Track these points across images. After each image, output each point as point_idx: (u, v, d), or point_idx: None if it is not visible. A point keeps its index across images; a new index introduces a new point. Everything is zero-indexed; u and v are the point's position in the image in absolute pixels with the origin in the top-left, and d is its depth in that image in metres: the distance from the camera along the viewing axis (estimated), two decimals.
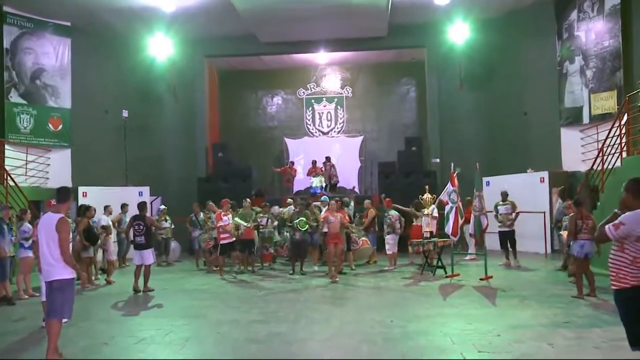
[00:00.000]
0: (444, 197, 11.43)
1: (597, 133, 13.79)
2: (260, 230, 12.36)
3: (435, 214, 11.77)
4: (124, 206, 13.14)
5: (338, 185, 18.28)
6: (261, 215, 12.54)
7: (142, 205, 10.19)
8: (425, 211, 11.62)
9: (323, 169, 17.91)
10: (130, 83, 17.66)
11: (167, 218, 14.26)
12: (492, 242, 14.06)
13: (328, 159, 18.07)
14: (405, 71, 20.39)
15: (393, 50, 19.09)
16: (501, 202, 12.06)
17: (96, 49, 16.93)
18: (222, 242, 11.30)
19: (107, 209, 12.60)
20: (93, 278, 11.04)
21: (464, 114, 17.87)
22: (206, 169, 18.47)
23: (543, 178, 14.42)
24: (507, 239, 11.97)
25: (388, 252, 12.14)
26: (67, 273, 5.57)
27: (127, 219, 12.39)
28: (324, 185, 17.43)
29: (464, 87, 17.73)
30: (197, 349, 6.08)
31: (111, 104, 17.24)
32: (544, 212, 13.77)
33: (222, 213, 11.37)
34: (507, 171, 15.29)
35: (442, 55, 17.58)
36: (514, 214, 12.00)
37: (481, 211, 10.75)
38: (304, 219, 11.57)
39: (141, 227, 9.83)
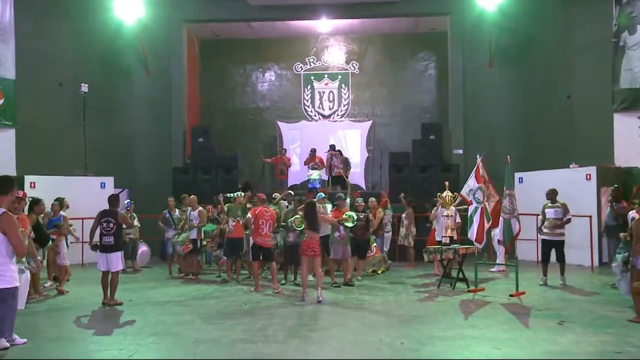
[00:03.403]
0: (464, 192, 11.33)
1: None
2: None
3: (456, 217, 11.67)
4: (60, 201, 12.70)
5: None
6: None
7: (113, 199, 10.09)
8: (445, 212, 11.52)
9: (325, 158, 17.69)
10: (91, 50, 17.53)
11: (135, 215, 14.16)
12: (525, 250, 14.04)
13: (332, 147, 17.91)
14: (423, 44, 20.29)
15: (409, 19, 19.00)
16: (550, 204, 11.63)
17: (47, 7, 16.74)
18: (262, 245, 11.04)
19: (63, 203, 12.48)
20: (43, 287, 10.94)
21: (493, 97, 17.80)
22: (183, 157, 18.41)
23: (590, 175, 14.34)
24: (553, 250, 11.55)
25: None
26: (8, 281, 5.48)
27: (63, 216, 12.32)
28: (326, 178, 17.37)
29: (495, 63, 17.65)
30: None
31: (67, 76, 17.07)
32: (590, 217, 13.67)
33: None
34: (545, 166, 15.22)
35: (468, 24, 17.51)
36: (565, 219, 11.45)
37: (512, 213, 10.63)
38: (299, 216, 11.48)
39: (111, 224, 9.69)
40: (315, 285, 10.08)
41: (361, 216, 11.93)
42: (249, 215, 11.20)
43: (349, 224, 11.38)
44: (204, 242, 13.17)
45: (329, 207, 12.41)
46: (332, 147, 17.86)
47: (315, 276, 10.39)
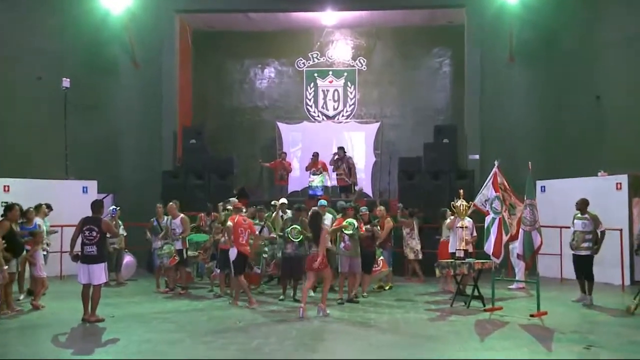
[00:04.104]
0: (478, 202, 11.31)
1: None
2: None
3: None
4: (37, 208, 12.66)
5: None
6: (255, 222, 12.50)
7: (97, 205, 10.10)
8: (460, 223, 11.50)
9: (335, 159, 17.51)
10: (74, 42, 17.59)
11: (120, 223, 14.15)
12: (547, 266, 13.97)
13: (342, 149, 17.74)
14: (438, 38, 20.26)
15: (423, 11, 19.00)
16: (579, 215, 11.54)
17: None
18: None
19: (39, 209, 12.46)
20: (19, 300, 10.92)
21: (513, 97, 17.80)
22: (174, 159, 18.39)
23: (620, 184, 14.28)
24: (581, 266, 11.46)
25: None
26: None
27: (47, 225, 12.34)
28: (329, 184, 17.28)
29: (516, 60, 17.63)
30: None
31: (46, 69, 17.11)
32: (620, 230, 13.59)
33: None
34: (570, 173, 15.21)
35: (487, 17, 17.48)
36: (599, 232, 11.33)
37: (533, 225, 10.62)
38: (297, 226, 11.49)
39: (94, 233, 9.66)
40: (316, 302, 10.09)
41: (368, 227, 11.92)
42: (229, 223, 11.28)
43: (349, 232, 11.36)
44: (196, 253, 13.16)
45: (329, 216, 12.42)
46: (342, 149, 17.66)
47: (322, 291, 10.48)
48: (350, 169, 17.37)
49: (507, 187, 11.04)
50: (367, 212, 12.38)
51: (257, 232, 11.90)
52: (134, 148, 18.44)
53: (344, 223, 11.43)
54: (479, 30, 17.89)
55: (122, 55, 18.49)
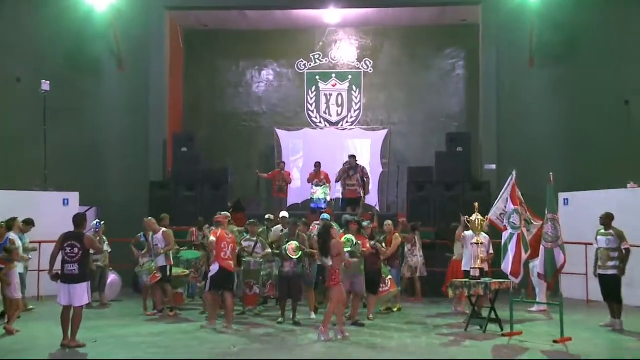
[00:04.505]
0: (493, 216, 11.30)
1: None
2: (244, 260, 12.24)
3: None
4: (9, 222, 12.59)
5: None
6: (246, 237, 12.51)
7: (79, 219, 10.02)
8: (475, 239, 11.47)
9: (346, 168, 17.32)
10: (55, 41, 17.68)
11: (105, 239, 14.11)
12: (571, 287, 13.89)
13: (354, 158, 17.51)
14: (451, 38, 20.34)
15: (434, 8, 19.08)
16: (603, 231, 11.48)
17: None
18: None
19: (14, 223, 12.42)
20: None
21: (533, 102, 17.81)
22: (163, 169, 18.41)
23: None
24: (608, 287, 11.36)
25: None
26: None
27: (25, 241, 12.33)
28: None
29: (536, 62, 17.65)
30: None
31: (24, 71, 17.24)
32: None
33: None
34: (596, 185, 15.17)
35: (505, 15, 17.54)
36: (623, 249, 11.22)
37: (555, 242, 10.59)
38: (296, 242, 11.46)
39: (76, 250, 9.59)
40: (317, 324, 10.05)
41: (372, 243, 11.89)
42: (211, 238, 11.29)
43: (347, 249, 11.31)
44: (187, 272, 13.12)
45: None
46: (354, 157, 17.50)
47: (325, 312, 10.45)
48: (365, 180, 17.21)
49: (522, 200, 11.02)
50: (370, 227, 12.35)
51: (237, 249, 11.84)
52: (119, 157, 18.42)
53: (342, 239, 11.39)
54: (496, 28, 17.93)
55: (106, 55, 18.52)
